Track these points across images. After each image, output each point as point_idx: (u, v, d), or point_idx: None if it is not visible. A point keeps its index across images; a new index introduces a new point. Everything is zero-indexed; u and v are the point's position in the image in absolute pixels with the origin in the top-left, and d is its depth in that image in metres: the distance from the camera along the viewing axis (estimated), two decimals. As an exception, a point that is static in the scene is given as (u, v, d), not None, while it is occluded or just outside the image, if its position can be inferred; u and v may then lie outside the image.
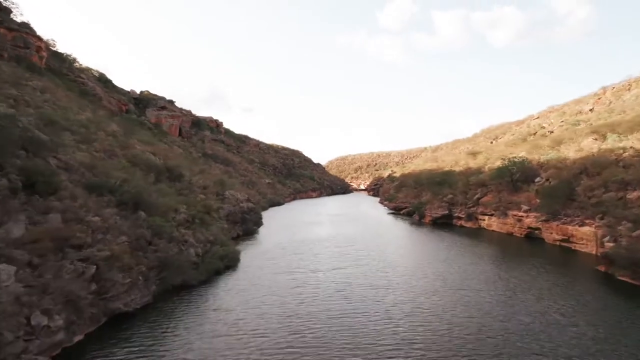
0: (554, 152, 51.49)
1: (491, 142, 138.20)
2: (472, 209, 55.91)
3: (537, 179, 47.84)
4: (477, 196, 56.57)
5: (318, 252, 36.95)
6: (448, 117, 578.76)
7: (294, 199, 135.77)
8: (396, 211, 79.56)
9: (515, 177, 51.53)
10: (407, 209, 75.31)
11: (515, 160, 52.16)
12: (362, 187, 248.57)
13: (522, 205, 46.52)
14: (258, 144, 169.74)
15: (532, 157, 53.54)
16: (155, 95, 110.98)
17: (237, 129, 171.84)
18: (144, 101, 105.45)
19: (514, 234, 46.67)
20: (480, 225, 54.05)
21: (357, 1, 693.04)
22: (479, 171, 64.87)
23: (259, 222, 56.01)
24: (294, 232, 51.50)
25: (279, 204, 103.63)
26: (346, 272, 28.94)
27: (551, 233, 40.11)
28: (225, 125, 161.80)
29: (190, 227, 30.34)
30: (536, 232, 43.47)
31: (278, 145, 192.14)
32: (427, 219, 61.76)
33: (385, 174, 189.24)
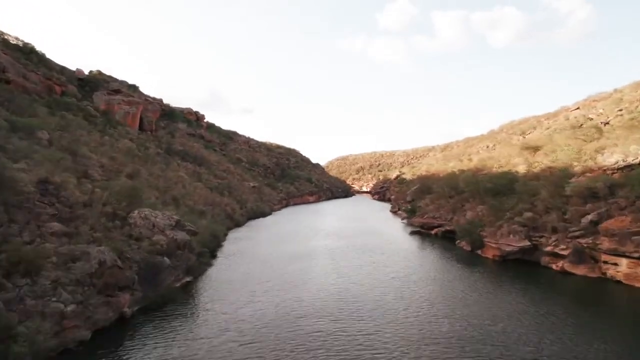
0: None
1: (520, 138, 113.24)
2: (582, 240, 30.08)
3: None
4: (589, 218, 30.73)
5: None
6: (447, 117, 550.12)
7: (287, 205, 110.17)
8: (423, 229, 53.76)
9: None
10: (441, 229, 49.59)
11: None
12: (365, 189, 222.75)
13: None
14: (248, 141, 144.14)
15: None
16: (110, 77, 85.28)
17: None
18: (93, 83, 79.90)
19: None
20: (604, 273, 28.25)
21: (357, 3, 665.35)
22: (566, 173, 39.07)
23: (199, 265, 30.26)
24: (256, 291, 25.68)
25: (264, 214, 77.86)
26: None
27: None
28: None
29: None
30: None
31: (272, 144, 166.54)
32: (491, 253, 35.91)
33: (392, 175, 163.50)
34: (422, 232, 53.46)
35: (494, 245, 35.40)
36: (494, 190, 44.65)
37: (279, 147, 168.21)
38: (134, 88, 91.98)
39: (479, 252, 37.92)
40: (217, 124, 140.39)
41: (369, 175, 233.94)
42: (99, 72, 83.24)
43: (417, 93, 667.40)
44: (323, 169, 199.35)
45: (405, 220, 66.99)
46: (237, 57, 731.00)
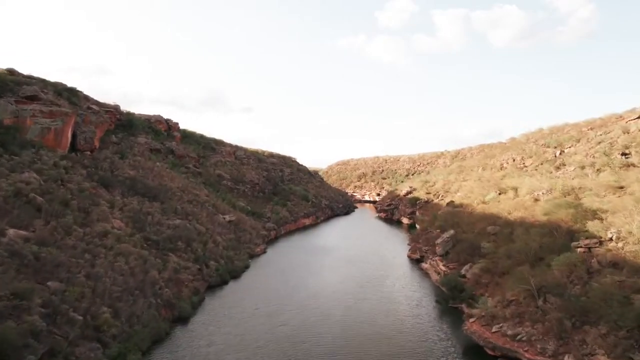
0: None
1: (557, 152, 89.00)
2: None
3: None
4: None
5: None
6: (448, 117, 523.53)
7: (277, 236, 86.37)
8: (492, 352, 29.84)
9: None
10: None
11: None
12: (367, 197, 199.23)
13: None
14: (234, 152, 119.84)
15: None
16: (28, 78, 60.32)
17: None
18: (-2, 87, 55.41)
19: None
20: None
21: (357, 2, 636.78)
22: None
23: None
24: None
25: (236, 273, 53.68)
26: None
27: None
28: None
29: None
30: None
31: (264, 152, 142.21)
32: None
33: (402, 189, 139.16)
34: (490, 355, 29.55)
35: None
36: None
37: (272, 155, 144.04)
38: (71, 92, 67.32)
39: None
40: (198, 132, 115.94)
41: (372, 183, 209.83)
42: (9, 71, 58.52)
43: (417, 93, 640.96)
44: (322, 178, 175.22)
45: (439, 298, 43.23)
46: (237, 60, 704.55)
